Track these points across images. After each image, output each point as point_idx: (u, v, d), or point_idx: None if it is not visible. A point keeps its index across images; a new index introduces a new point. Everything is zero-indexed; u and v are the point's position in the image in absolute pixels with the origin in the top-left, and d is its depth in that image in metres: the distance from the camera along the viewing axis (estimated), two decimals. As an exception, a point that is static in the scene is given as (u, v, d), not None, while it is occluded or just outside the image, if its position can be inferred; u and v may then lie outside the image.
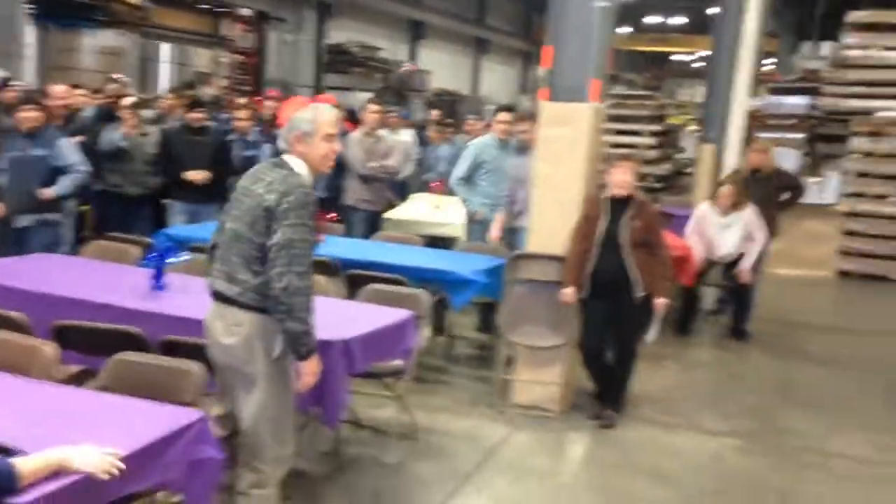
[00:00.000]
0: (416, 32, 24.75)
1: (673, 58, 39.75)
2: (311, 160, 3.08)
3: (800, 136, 11.55)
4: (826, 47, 20.38)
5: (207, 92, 14.44)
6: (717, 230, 7.00)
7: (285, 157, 3.12)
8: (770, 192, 7.55)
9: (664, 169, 12.50)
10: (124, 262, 4.96)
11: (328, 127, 3.09)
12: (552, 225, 5.14)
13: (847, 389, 6.14)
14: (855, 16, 10.88)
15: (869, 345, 7.49)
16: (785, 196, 7.68)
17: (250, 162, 7.30)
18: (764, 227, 6.99)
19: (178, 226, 6.74)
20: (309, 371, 3.06)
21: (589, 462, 4.71)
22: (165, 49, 15.94)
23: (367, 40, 21.16)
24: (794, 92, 12.33)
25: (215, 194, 6.84)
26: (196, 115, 7.16)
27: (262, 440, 3.09)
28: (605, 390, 5.18)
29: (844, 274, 10.39)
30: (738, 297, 7.25)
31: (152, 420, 2.62)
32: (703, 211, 7.16)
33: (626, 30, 33.18)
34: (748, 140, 10.88)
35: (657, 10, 32.87)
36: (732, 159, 10.51)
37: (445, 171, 9.51)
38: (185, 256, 4.56)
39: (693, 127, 17.57)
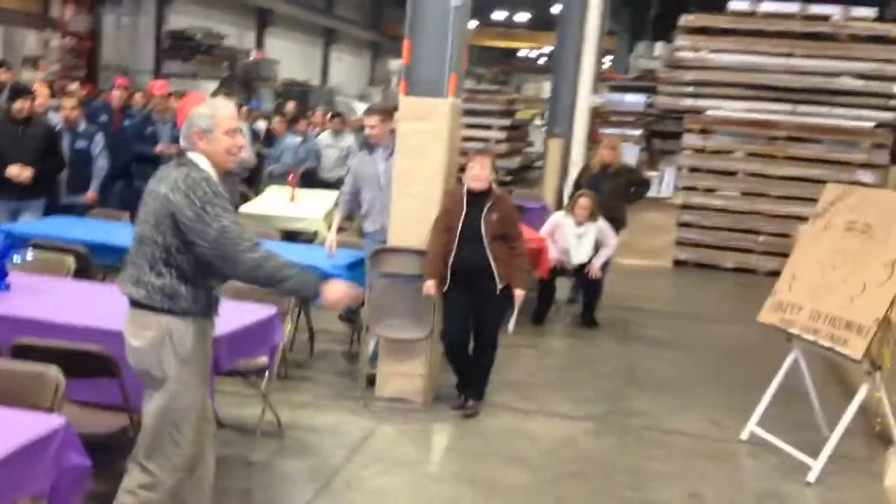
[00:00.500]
0: (263, 20, 24.19)
1: (519, 53, 40.89)
2: (213, 156, 3.05)
3: (637, 132, 12.17)
4: (659, 48, 21.65)
5: (35, 77, 13.60)
6: (573, 239, 7.32)
7: (189, 154, 3.06)
8: (619, 187, 7.99)
9: (514, 162, 12.88)
10: (-42, 261, 4.60)
11: (228, 122, 3.07)
12: (413, 219, 5.22)
13: (686, 370, 6.59)
14: (686, 19, 11.58)
15: (704, 329, 8.09)
16: (633, 191, 8.15)
17: (81, 156, 6.95)
18: (612, 232, 7.42)
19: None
20: (334, 296, 3.08)
21: (453, 451, 4.83)
22: (-8, 32, 14.85)
23: (211, 26, 20.49)
24: (632, 90, 12.99)
25: (41, 190, 6.44)
26: (20, 105, 6.36)
27: (158, 440, 3.03)
28: (467, 380, 5.31)
29: (680, 263, 11.12)
30: (587, 288, 7.62)
31: (14, 428, 2.48)
32: (559, 219, 7.50)
33: (473, 24, 33.78)
34: (591, 135, 11.45)
35: (503, 6, 33.69)
36: (578, 153, 11.03)
37: (292, 162, 9.51)
38: (29, 255, 4.29)
39: (540, 122, 18.20)
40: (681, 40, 11.61)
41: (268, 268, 2.96)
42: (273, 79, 22.25)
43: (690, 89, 11.49)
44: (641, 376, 6.37)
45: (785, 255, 10.56)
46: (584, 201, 7.36)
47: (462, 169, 5.36)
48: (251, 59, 21.81)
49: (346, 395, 5.30)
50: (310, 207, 7.75)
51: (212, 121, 3.04)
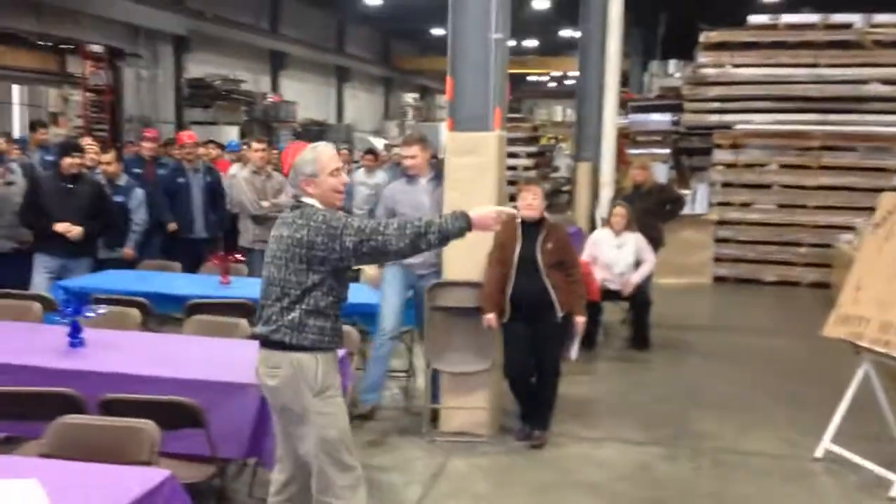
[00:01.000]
0: (277, 63, 24.48)
1: (528, 79, 41.08)
2: (323, 197, 3.16)
3: (665, 150, 12.16)
4: (673, 66, 21.69)
5: (59, 133, 13.74)
6: (612, 250, 7.38)
7: (302, 198, 3.18)
8: (653, 206, 8.00)
9: (543, 188, 12.83)
10: (27, 319, 4.64)
11: (332, 163, 3.19)
12: (467, 252, 5.19)
13: (745, 388, 6.50)
14: (706, 35, 11.61)
15: (754, 344, 7.99)
16: (667, 208, 8.16)
17: (119, 210, 6.83)
18: (650, 247, 7.42)
19: (42, 282, 6.14)
20: (486, 220, 3.16)
21: (527, 483, 4.75)
22: (16, 90, 15.10)
23: (227, 73, 20.75)
24: (656, 109, 13.00)
25: (86, 249, 6.37)
26: (70, 161, 6.28)
27: (327, 475, 3.14)
28: (532, 411, 5.26)
29: (720, 279, 11.03)
30: (636, 308, 7.57)
31: (123, 484, 2.47)
32: (597, 236, 7.62)
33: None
34: (619, 157, 11.44)
35: (512, 34, 33.86)
36: (608, 175, 11.00)
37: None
38: (101, 309, 4.30)
39: (564, 146, 18.23)
40: (702, 57, 11.63)
41: (410, 230, 3.04)
42: (292, 119, 22.45)
43: (716, 105, 11.48)
44: (702, 396, 6.29)
45: (827, 266, 10.70)
46: (619, 210, 7.45)
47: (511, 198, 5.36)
48: (268, 101, 22.05)
49: (411, 431, 5.26)
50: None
51: (317, 165, 3.15)
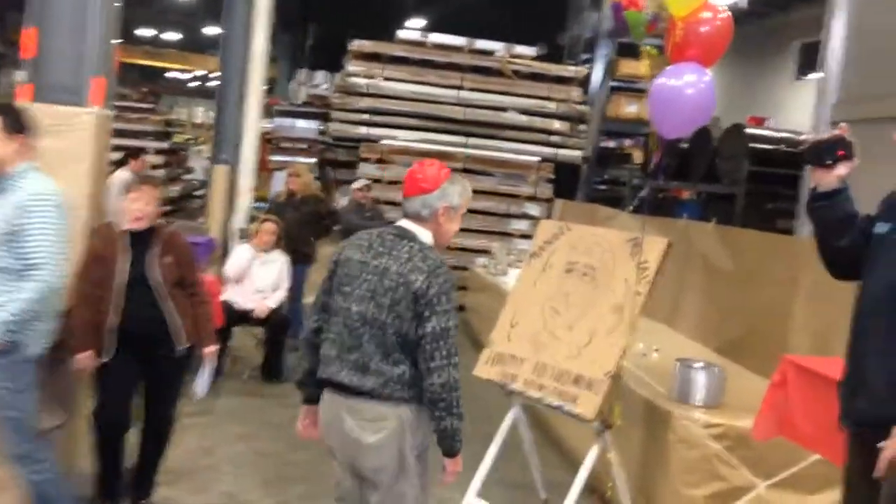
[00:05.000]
0: None
1: (168, 75, 38.39)
2: (443, 235, 2.86)
3: (311, 160, 11.48)
4: (320, 76, 21.40)
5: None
6: (257, 267, 6.64)
7: (407, 225, 2.81)
8: (305, 217, 7.30)
9: (173, 191, 11.47)
10: None
11: (466, 205, 2.93)
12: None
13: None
14: (357, 44, 11.13)
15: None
16: (324, 222, 7.54)
17: None
18: (289, 273, 6.80)
19: None
20: (455, 469, 2.86)
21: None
22: None
23: None
24: (302, 116, 12.30)
25: None
26: None
27: None
28: (137, 473, 4.09)
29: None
30: (271, 333, 6.67)
31: None
32: (242, 250, 6.78)
33: (116, 40, 30.96)
34: (261, 162, 10.54)
35: (150, 24, 31.25)
36: (247, 182, 10.02)
37: None
38: None
39: (200, 147, 16.81)
40: (353, 66, 11.10)
41: (456, 394, 2.72)
42: None
43: (365, 117, 11.02)
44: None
45: (462, 288, 10.71)
46: (268, 226, 6.72)
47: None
48: None
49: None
50: None
51: (460, 200, 2.87)
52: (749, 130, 7.79)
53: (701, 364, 4.47)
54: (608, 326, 4.07)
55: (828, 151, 2.76)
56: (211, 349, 4.17)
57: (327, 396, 2.83)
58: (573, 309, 4.29)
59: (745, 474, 4.13)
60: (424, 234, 2.78)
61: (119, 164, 9.12)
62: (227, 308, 6.32)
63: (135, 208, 3.91)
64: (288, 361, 6.76)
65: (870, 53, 5.94)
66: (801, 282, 5.03)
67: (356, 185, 8.05)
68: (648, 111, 3.83)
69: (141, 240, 3.92)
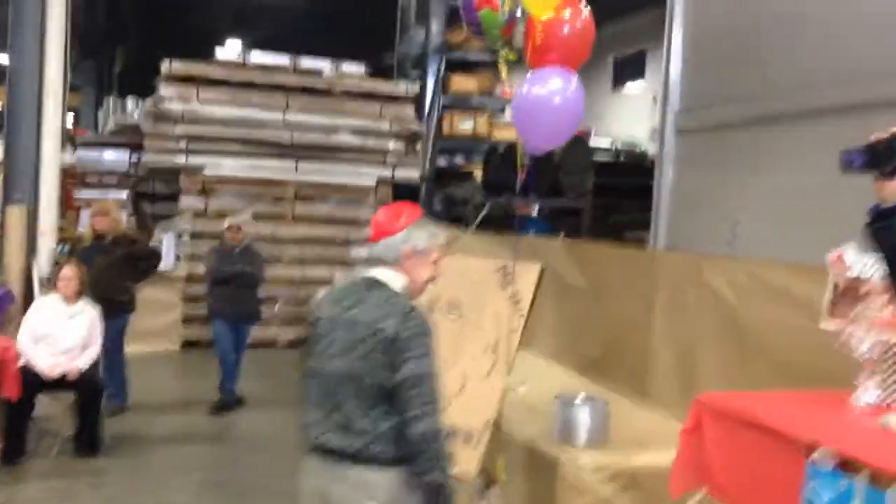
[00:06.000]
0: None
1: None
2: (414, 282, 2.67)
3: (122, 194, 10.37)
4: (130, 102, 20.00)
5: None
6: (61, 321, 5.66)
7: (377, 273, 2.65)
8: (119, 260, 6.43)
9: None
10: None
11: (439, 251, 2.74)
12: None
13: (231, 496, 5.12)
14: (169, 66, 10.18)
15: (235, 422, 6.71)
16: (140, 266, 6.69)
17: None
18: (100, 324, 5.87)
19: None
20: None
21: None
22: None
23: None
24: (112, 146, 11.15)
25: None
26: None
27: None
28: None
29: (190, 344, 9.57)
30: (83, 399, 5.71)
31: None
32: (42, 302, 5.93)
33: None
34: (65, 199, 9.46)
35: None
36: (49, 221, 8.90)
37: None
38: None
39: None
40: (165, 89, 10.14)
41: (437, 445, 2.48)
42: None
43: (182, 145, 10.07)
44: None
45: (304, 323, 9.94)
46: (66, 272, 5.81)
47: None
48: None
49: None
50: None
51: (430, 242, 2.69)
52: (590, 143, 7.66)
53: (582, 399, 4.06)
54: (482, 370, 3.59)
55: (888, 155, 2.17)
56: None
57: (311, 464, 2.63)
58: (440, 352, 3.77)
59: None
60: (395, 281, 2.63)
61: None
62: (26, 374, 5.33)
63: None
64: (104, 431, 5.84)
65: (711, 60, 5.88)
66: (658, 293, 4.78)
67: (226, 224, 7.24)
68: (514, 124, 3.38)
69: None
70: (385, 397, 2.49)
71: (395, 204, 2.84)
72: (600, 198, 7.55)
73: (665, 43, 6.16)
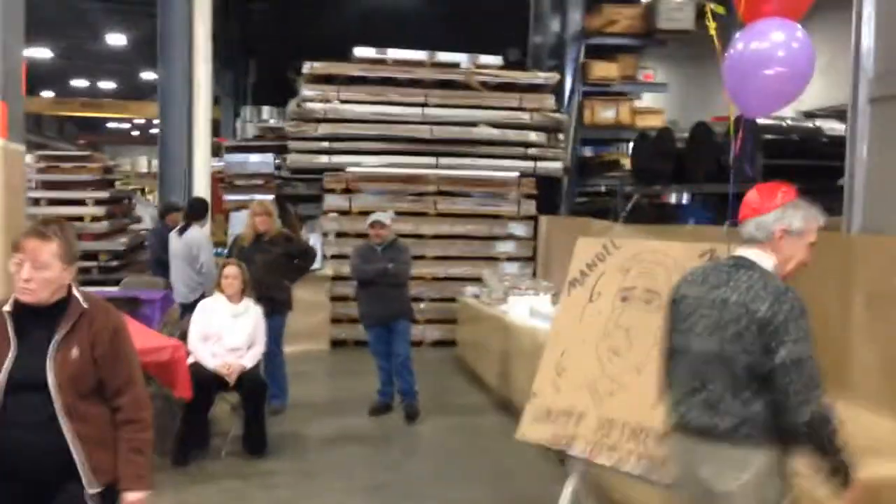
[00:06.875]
0: None
1: (109, 125, 37.03)
2: (784, 262, 2.60)
3: (269, 196, 10.47)
4: (266, 111, 20.54)
5: None
6: (226, 320, 5.67)
7: (747, 252, 2.62)
8: (279, 260, 6.40)
9: (120, 243, 10.36)
10: None
11: (814, 234, 2.63)
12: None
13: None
14: (311, 67, 10.20)
15: (390, 427, 6.53)
16: (296, 262, 6.68)
17: None
18: (264, 323, 5.86)
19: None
20: (852, 499, 2.48)
21: None
22: None
23: None
24: (256, 150, 11.34)
25: None
26: None
27: None
28: None
29: (339, 343, 9.56)
30: (247, 399, 5.66)
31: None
32: (206, 305, 5.81)
33: (48, 94, 29.70)
34: (215, 203, 9.66)
35: (84, 74, 29.95)
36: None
37: None
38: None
39: (148, 196, 15.73)
40: (307, 90, 10.16)
41: (825, 432, 2.41)
42: None
43: (325, 145, 10.08)
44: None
45: (451, 322, 9.79)
46: (230, 270, 5.77)
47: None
48: None
49: None
50: None
51: (805, 224, 2.61)
52: (760, 122, 7.09)
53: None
54: (692, 365, 3.20)
55: None
56: (135, 497, 2.62)
57: (678, 443, 2.67)
58: (638, 347, 3.41)
59: None
60: (765, 261, 2.59)
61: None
62: (198, 372, 5.30)
63: (21, 276, 2.55)
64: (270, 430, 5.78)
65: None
66: (856, 282, 4.27)
67: (368, 221, 6.85)
68: (725, 84, 2.98)
69: (35, 321, 2.58)
70: (756, 379, 2.45)
71: (769, 183, 2.73)
72: (769, 179, 6.94)
73: (855, 2, 5.54)
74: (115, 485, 2.60)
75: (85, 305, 2.62)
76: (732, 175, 3.25)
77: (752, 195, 2.68)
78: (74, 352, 2.55)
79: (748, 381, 2.47)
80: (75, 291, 2.65)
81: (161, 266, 8.13)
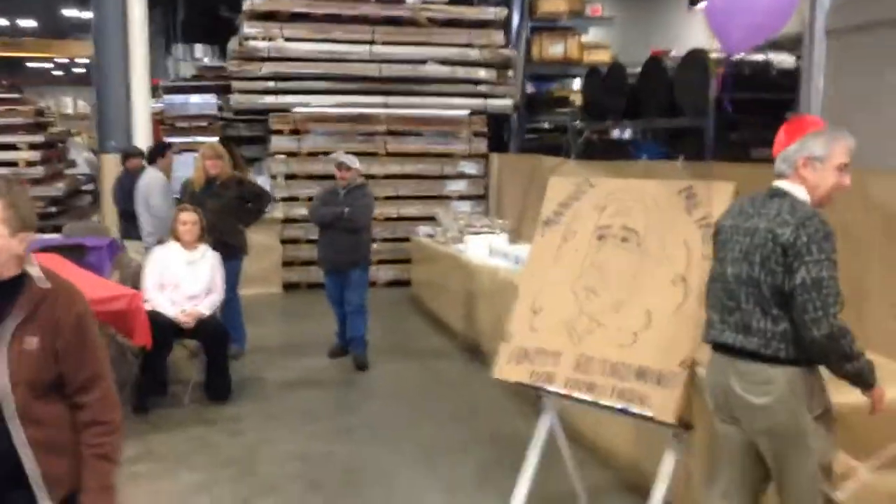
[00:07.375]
0: None
1: (29, 65, 35.36)
2: (814, 189, 2.70)
3: (213, 138, 10.18)
4: (199, 49, 19.86)
5: None
6: (182, 268, 5.54)
7: (781, 184, 2.74)
8: (232, 204, 6.25)
9: (57, 189, 9.98)
10: None
11: (842, 156, 2.71)
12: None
13: (369, 442, 4.94)
14: (252, 3, 9.84)
15: (350, 368, 6.52)
16: (249, 206, 6.53)
17: None
18: (221, 269, 5.76)
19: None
20: (879, 397, 2.67)
21: None
22: None
23: None
24: (195, 91, 10.96)
25: None
26: None
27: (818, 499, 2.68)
28: None
29: (291, 286, 9.47)
30: (208, 346, 5.58)
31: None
32: (163, 250, 5.67)
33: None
34: (160, 146, 9.35)
35: (1, 12, 28.39)
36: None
37: None
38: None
39: (79, 139, 15.16)
40: (249, 28, 9.83)
41: (844, 342, 2.54)
42: None
43: (269, 84, 9.80)
44: (322, 468, 4.55)
45: (405, 262, 9.76)
46: (187, 216, 5.62)
47: None
48: None
49: None
50: None
51: (826, 150, 2.69)
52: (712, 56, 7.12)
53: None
54: (671, 303, 3.24)
55: None
56: None
57: (715, 361, 2.84)
58: (616, 284, 3.44)
59: (844, 459, 3.39)
60: (798, 191, 2.70)
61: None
62: (157, 319, 5.18)
63: None
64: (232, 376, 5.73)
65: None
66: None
67: (334, 162, 6.41)
68: (707, 19, 2.95)
69: None
70: (783, 298, 2.58)
71: (799, 117, 2.85)
72: (719, 115, 7.03)
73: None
74: (74, 497, 2.18)
75: (47, 285, 2.14)
76: (712, 111, 3.24)
77: (782, 131, 2.78)
78: (34, 342, 2.09)
79: (776, 301, 2.61)
80: (31, 267, 2.15)
81: (129, 219, 7.44)
